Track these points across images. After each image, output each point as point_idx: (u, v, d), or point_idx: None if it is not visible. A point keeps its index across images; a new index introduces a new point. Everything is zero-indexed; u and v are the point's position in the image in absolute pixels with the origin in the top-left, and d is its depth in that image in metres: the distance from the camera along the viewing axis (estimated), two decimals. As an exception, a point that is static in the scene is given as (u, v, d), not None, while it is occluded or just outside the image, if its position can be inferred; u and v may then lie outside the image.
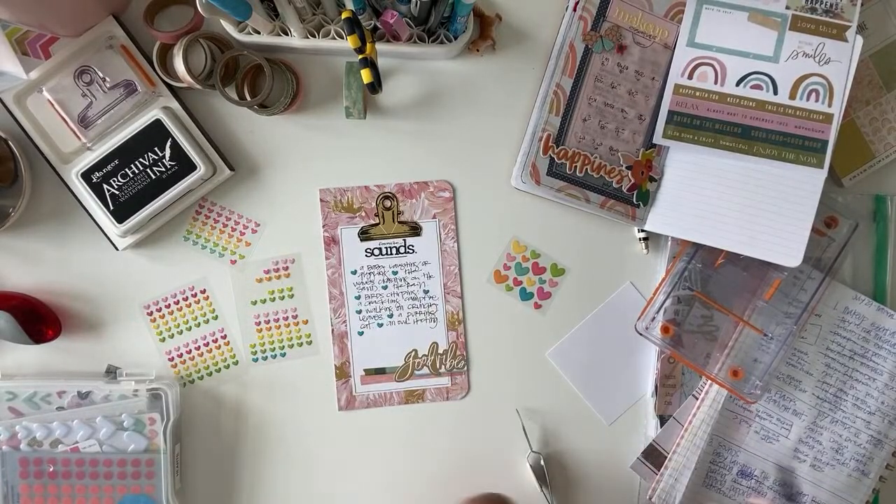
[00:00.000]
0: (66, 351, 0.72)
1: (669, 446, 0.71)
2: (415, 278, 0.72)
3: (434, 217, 0.72)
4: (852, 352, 0.71)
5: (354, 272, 0.72)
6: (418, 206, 0.72)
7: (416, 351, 0.72)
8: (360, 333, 0.72)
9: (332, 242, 0.72)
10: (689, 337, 0.70)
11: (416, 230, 0.72)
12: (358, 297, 0.72)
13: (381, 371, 0.72)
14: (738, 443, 0.71)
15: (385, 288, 0.72)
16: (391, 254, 0.72)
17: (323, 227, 0.72)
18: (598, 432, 0.73)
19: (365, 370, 0.72)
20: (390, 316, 0.72)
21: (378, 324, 0.72)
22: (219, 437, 0.72)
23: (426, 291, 0.72)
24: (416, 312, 0.72)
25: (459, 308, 0.72)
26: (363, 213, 0.72)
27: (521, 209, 0.72)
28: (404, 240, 0.72)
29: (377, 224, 0.72)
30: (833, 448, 0.70)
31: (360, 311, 0.72)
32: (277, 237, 0.72)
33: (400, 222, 0.72)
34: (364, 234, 0.72)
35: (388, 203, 0.72)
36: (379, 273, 0.72)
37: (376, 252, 0.72)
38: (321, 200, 0.72)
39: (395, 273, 0.72)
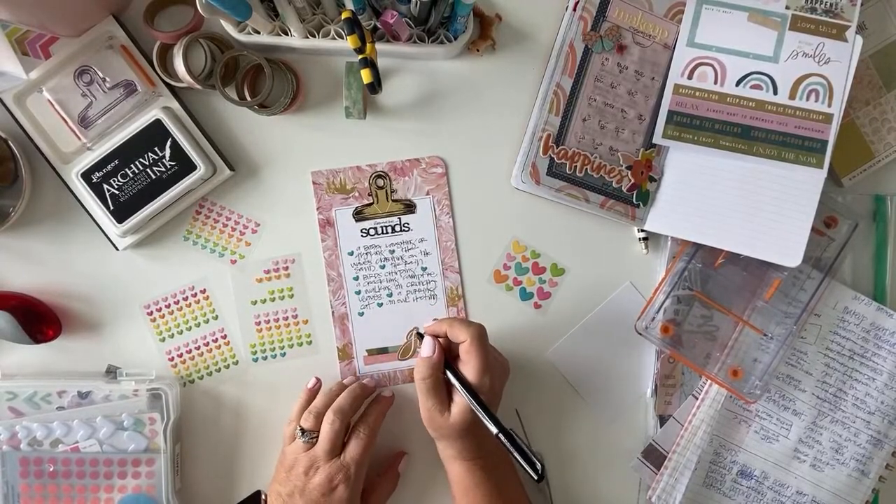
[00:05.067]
0: (66, 351, 0.72)
1: (669, 446, 0.71)
2: (412, 256, 0.72)
3: (428, 193, 0.72)
4: (852, 352, 0.71)
5: (351, 253, 0.72)
6: (411, 183, 0.72)
7: (417, 329, 0.72)
8: (361, 314, 0.72)
9: (326, 225, 0.72)
10: (688, 337, 0.70)
11: (410, 208, 0.72)
12: (356, 278, 0.72)
13: (383, 350, 0.72)
14: (738, 443, 0.71)
15: (383, 267, 0.72)
16: (387, 233, 0.72)
17: (317, 209, 0.72)
18: (598, 432, 0.73)
19: (367, 350, 0.72)
20: (389, 295, 0.72)
21: (378, 304, 0.72)
22: (219, 437, 0.72)
23: (424, 269, 0.72)
24: (415, 290, 0.72)
25: (458, 283, 0.72)
26: (356, 194, 0.72)
27: (521, 209, 0.72)
28: (399, 218, 0.72)
29: (371, 204, 0.72)
30: (833, 448, 0.70)
31: (359, 292, 0.72)
32: (277, 237, 0.72)
33: (394, 200, 0.72)
34: (359, 215, 0.72)
35: (380, 182, 0.72)
36: (376, 253, 0.72)
37: (372, 232, 0.72)
38: (313, 183, 0.72)
39: (392, 252, 0.72)
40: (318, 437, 0.65)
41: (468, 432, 0.61)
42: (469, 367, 0.61)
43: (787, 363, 0.71)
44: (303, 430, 0.65)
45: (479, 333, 0.62)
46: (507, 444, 0.58)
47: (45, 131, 0.69)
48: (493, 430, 0.58)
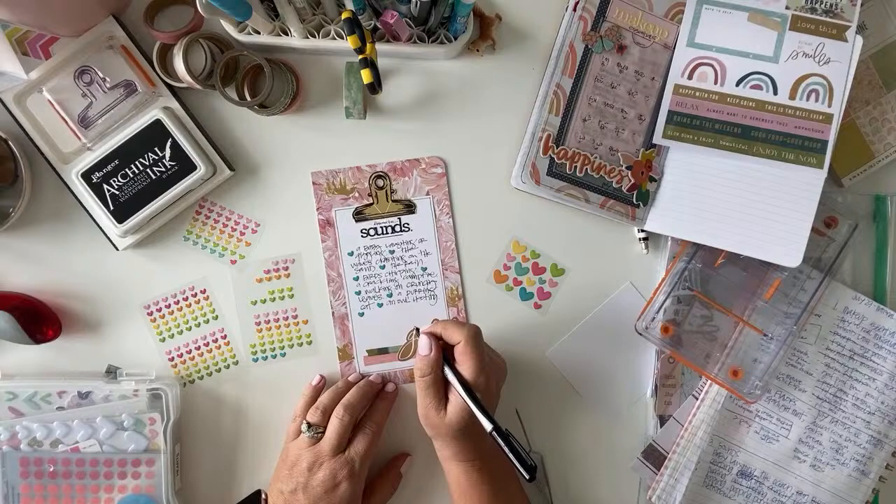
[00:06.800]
0: (66, 351, 0.72)
1: (669, 446, 0.71)
2: (412, 256, 0.72)
3: (428, 194, 0.72)
4: (852, 352, 0.71)
5: (351, 253, 0.72)
6: (411, 183, 0.72)
7: (417, 329, 0.72)
8: (361, 314, 0.72)
9: (326, 225, 0.72)
10: (688, 337, 0.70)
11: (410, 208, 0.72)
12: (356, 279, 0.72)
13: (383, 351, 0.72)
14: (738, 443, 0.71)
15: (383, 268, 0.72)
16: (387, 233, 0.72)
17: (317, 209, 0.72)
18: (598, 432, 0.73)
19: (368, 350, 0.72)
20: (389, 295, 0.72)
21: (378, 304, 0.72)
22: (219, 437, 0.72)
23: (424, 269, 0.72)
24: (415, 290, 0.72)
25: (458, 283, 0.72)
26: (356, 194, 0.72)
27: (521, 209, 0.72)
28: (399, 218, 0.72)
29: (371, 204, 0.72)
30: (833, 448, 0.70)
31: (359, 293, 0.72)
32: (277, 237, 0.72)
33: (394, 201, 0.72)
34: (359, 215, 0.72)
35: (380, 182, 0.72)
36: (376, 253, 0.72)
37: (372, 232, 0.72)
38: (313, 183, 0.72)
39: (392, 252, 0.72)
40: (323, 432, 0.65)
41: (464, 433, 0.61)
42: (464, 367, 0.61)
43: (788, 363, 0.71)
44: (309, 425, 0.65)
45: (474, 334, 0.62)
46: (500, 441, 0.58)
47: (45, 131, 0.69)
48: (488, 427, 0.58)
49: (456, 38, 0.69)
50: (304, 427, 0.65)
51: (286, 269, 0.72)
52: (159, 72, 0.69)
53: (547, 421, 0.73)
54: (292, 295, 0.72)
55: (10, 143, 0.68)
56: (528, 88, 0.72)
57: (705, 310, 0.71)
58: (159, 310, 0.72)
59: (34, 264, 0.72)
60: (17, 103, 0.68)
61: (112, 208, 0.68)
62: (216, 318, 0.72)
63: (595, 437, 0.73)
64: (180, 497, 0.70)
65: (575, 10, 0.70)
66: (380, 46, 0.68)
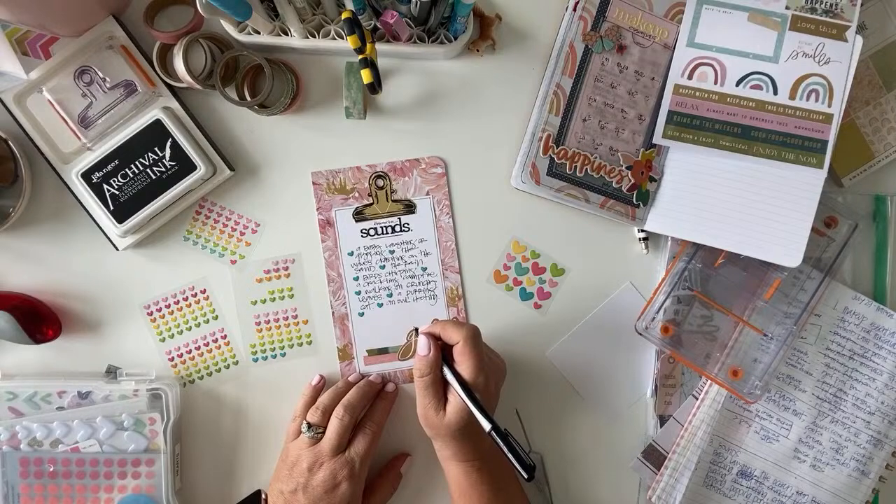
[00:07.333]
0: (66, 351, 0.72)
1: (669, 446, 0.71)
2: (412, 256, 0.72)
3: (427, 194, 0.72)
4: (852, 352, 0.71)
5: (351, 253, 0.72)
6: (411, 183, 0.72)
7: (417, 329, 0.72)
8: (361, 314, 0.72)
9: (326, 225, 0.72)
10: (688, 337, 0.70)
11: (410, 208, 0.72)
12: (356, 279, 0.72)
13: (383, 351, 0.72)
14: (738, 443, 0.71)
15: (383, 268, 0.72)
16: (387, 233, 0.72)
17: (317, 209, 0.72)
18: (598, 432, 0.73)
19: (368, 350, 0.72)
20: (389, 295, 0.72)
21: (378, 304, 0.72)
22: (219, 437, 0.72)
23: (424, 269, 0.72)
24: (415, 290, 0.72)
25: (458, 283, 0.72)
26: (356, 194, 0.72)
27: (521, 209, 0.72)
28: (399, 218, 0.72)
29: (371, 204, 0.72)
30: (833, 448, 0.70)
31: (359, 293, 0.72)
32: (277, 237, 0.72)
33: (394, 201, 0.72)
34: (359, 215, 0.72)
35: (380, 182, 0.72)
36: (376, 253, 0.72)
37: (372, 232, 0.72)
38: (313, 183, 0.72)
39: (392, 252, 0.72)
40: (323, 432, 0.65)
41: (464, 433, 0.61)
42: (463, 367, 0.61)
43: (787, 363, 0.71)
44: (309, 425, 0.65)
45: (472, 334, 0.62)
46: (498, 441, 0.58)
47: (45, 131, 0.69)
48: (487, 426, 0.58)
49: (456, 38, 0.69)
50: (304, 427, 0.65)
51: (286, 269, 0.72)
52: (159, 72, 0.69)
53: (547, 421, 0.73)
54: (292, 295, 0.72)
55: (10, 143, 0.68)
56: (528, 88, 0.72)
57: (705, 310, 0.71)
58: (159, 310, 0.72)
59: (34, 264, 0.72)
60: (17, 103, 0.68)
61: (112, 208, 0.68)
62: (216, 318, 0.72)
63: (595, 437, 0.73)
64: (180, 497, 0.70)
65: (575, 10, 0.70)
66: (380, 46, 0.68)
